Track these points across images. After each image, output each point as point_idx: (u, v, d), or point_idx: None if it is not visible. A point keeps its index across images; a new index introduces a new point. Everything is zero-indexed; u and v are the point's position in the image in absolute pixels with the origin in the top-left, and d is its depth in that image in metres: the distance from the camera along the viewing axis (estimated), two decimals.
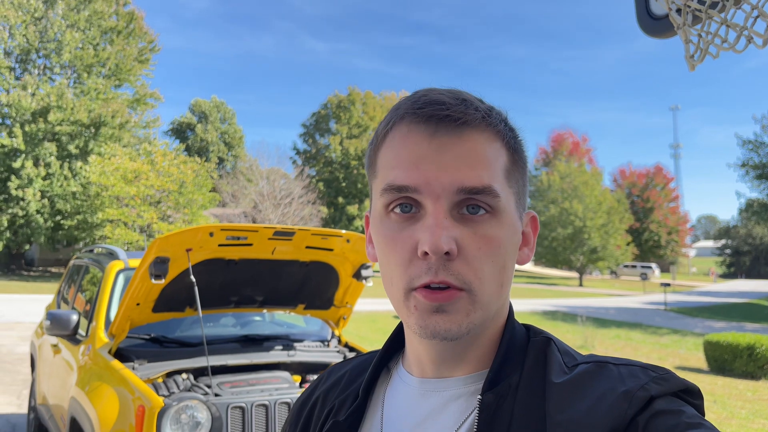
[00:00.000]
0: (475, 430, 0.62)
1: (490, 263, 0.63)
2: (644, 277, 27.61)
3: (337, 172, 38.67)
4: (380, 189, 0.66)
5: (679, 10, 1.00)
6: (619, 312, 21.23)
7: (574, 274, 46.85)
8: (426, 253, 0.61)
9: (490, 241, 0.63)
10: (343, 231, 3.33)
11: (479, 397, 0.64)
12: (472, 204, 0.63)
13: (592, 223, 38.59)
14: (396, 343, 0.78)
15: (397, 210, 0.64)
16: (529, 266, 57.75)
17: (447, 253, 0.61)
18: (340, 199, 37.44)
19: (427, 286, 0.62)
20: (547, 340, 0.69)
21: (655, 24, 1.52)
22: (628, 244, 43.21)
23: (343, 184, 38.35)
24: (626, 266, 48.29)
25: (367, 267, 3.56)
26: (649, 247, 51.60)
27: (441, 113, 0.63)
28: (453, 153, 0.63)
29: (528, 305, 22.20)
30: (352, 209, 36.92)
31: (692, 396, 0.60)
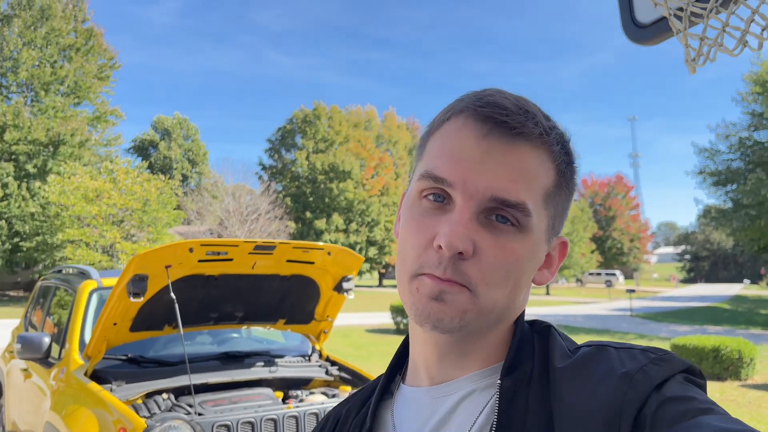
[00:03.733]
0: (495, 415, 0.63)
1: (502, 272, 0.63)
2: (609, 284, 28.17)
3: (304, 187, 38.53)
4: (420, 173, 0.67)
5: (678, 15, 1.03)
6: (587, 319, 21.57)
7: None
8: (440, 247, 0.62)
9: (509, 253, 0.63)
10: (324, 244, 3.31)
11: (498, 382, 0.64)
12: (501, 214, 0.63)
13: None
14: (398, 365, 0.79)
15: (431, 197, 0.65)
16: None
17: (460, 253, 0.62)
18: (308, 214, 37.27)
19: (434, 276, 0.63)
20: (548, 328, 0.71)
21: (640, 31, 1.56)
22: (592, 252, 44.06)
23: (311, 199, 38.22)
24: (591, 274, 49.14)
25: (348, 279, 3.55)
26: (613, 255, 52.68)
27: (499, 117, 0.64)
28: (498, 160, 0.63)
29: None
30: (320, 224, 36.79)
31: (695, 376, 0.61)
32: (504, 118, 0.63)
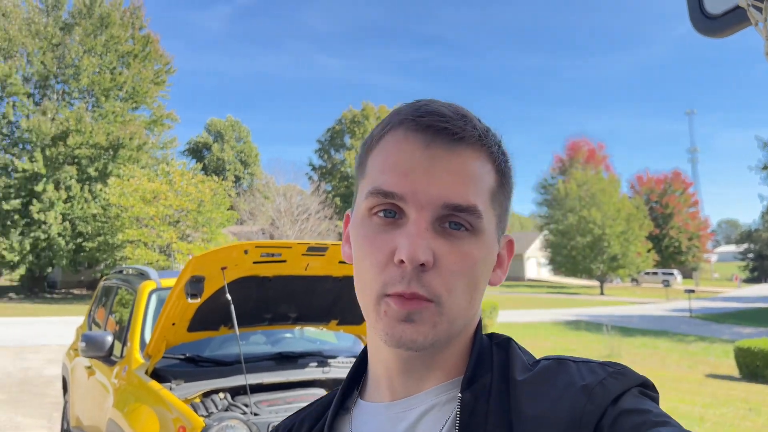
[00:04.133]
0: (456, 430, 0.63)
1: (464, 279, 0.63)
2: (666, 283, 27.26)
3: (352, 187, 38.77)
4: (367, 191, 0.66)
5: (756, 6, 0.96)
6: (643, 320, 20.94)
7: (595, 283, 46.36)
8: (402, 261, 0.61)
9: (467, 258, 0.63)
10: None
11: (459, 395, 0.64)
12: (454, 220, 0.63)
13: (611, 231, 38.21)
14: (355, 379, 0.77)
15: (381, 214, 0.64)
16: (548, 275, 57.31)
17: (422, 264, 0.61)
18: None
19: (399, 295, 0.62)
20: (508, 340, 0.71)
21: (711, 23, 1.48)
22: (648, 251, 42.73)
23: None
24: (647, 273, 47.69)
25: None
26: (670, 254, 50.99)
27: (439, 125, 0.64)
28: (444, 167, 0.63)
29: (549, 315, 21.97)
30: None
31: (650, 389, 0.62)
32: (444, 125, 0.64)
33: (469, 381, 0.66)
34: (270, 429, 0.78)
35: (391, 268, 0.62)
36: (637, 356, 12.48)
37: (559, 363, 0.65)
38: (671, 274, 46.55)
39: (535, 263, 57.81)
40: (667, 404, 7.72)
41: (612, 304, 29.48)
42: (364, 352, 0.77)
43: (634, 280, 48.68)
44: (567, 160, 49.59)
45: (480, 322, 0.73)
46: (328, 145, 42.19)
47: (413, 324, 0.62)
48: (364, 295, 0.66)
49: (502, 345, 0.71)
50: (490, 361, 0.68)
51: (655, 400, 0.62)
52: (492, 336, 0.73)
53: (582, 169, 45.14)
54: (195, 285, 2.91)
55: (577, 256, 39.59)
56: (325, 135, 42.48)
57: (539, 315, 22.06)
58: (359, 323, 3.77)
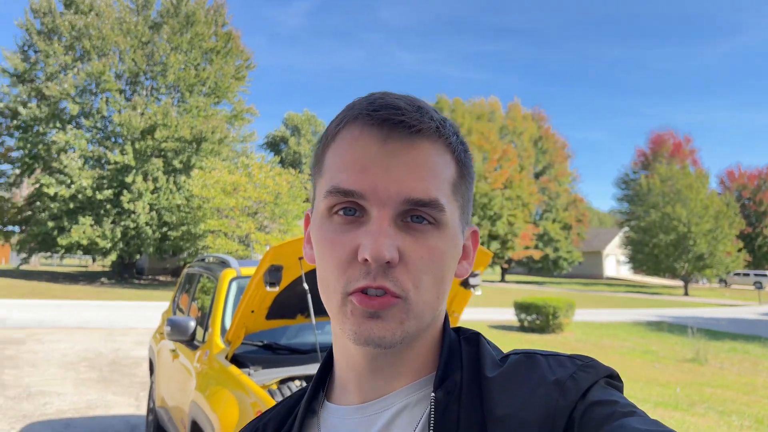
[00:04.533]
0: (431, 430, 0.62)
1: (430, 273, 0.63)
2: (759, 285, 25.66)
3: None
4: (325, 190, 0.64)
5: None
6: (732, 323, 19.79)
7: (678, 283, 44.34)
8: (366, 260, 0.60)
9: (432, 251, 0.63)
10: None
11: (432, 395, 0.63)
12: (416, 214, 0.62)
13: (697, 229, 36.35)
14: (321, 380, 0.75)
15: (341, 213, 0.63)
16: (628, 274, 55.20)
17: (389, 262, 0.60)
18: None
19: (363, 291, 0.61)
20: (477, 335, 0.71)
21: None
22: (739, 250, 40.35)
23: None
24: (737, 274, 45.01)
25: (476, 275, 3.48)
26: (764, 254, 47.93)
27: (396, 118, 0.62)
28: (403, 161, 0.62)
29: (630, 315, 21.16)
30: None
31: (615, 380, 0.63)
32: (401, 118, 0.62)
33: (441, 379, 0.65)
34: None
35: (354, 266, 0.61)
36: (726, 361, 11.81)
37: (527, 357, 0.65)
38: (765, 275, 43.73)
39: (614, 261, 55.84)
40: (759, 412, 7.27)
41: (697, 306, 28.04)
42: (330, 353, 0.75)
43: (722, 281, 46.10)
44: (650, 154, 47.54)
45: (446, 316, 0.72)
46: None
47: (380, 320, 0.61)
48: (329, 296, 0.64)
49: (471, 340, 0.70)
50: (459, 358, 0.68)
51: (620, 390, 0.63)
52: (459, 330, 0.72)
53: (666, 163, 43.16)
54: (273, 274, 2.98)
55: (660, 254, 37.91)
56: None
57: (618, 315, 21.29)
58: None
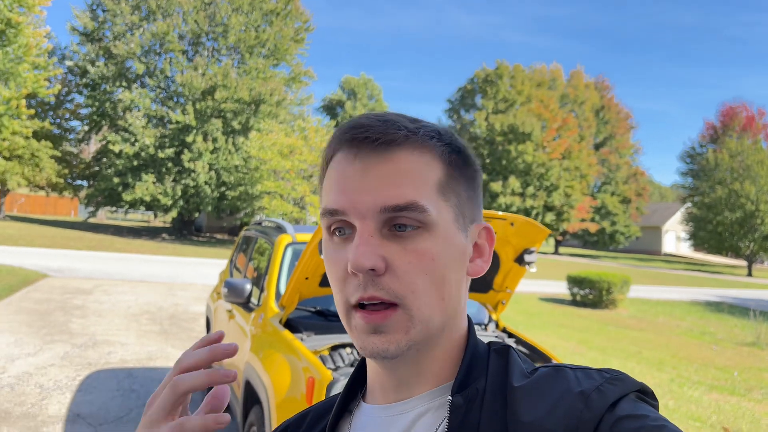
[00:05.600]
0: None
1: (424, 276, 0.63)
2: None
3: (481, 149, 38.19)
4: (320, 212, 0.68)
5: None
6: None
7: (742, 263, 42.66)
8: (354, 272, 0.62)
9: (421, 254, 0.63)
10: (507, 213, 3.22)
11: (449, 398, 0.64)
12: (399, 222, 0.63)
13: (766, 207, 34.69)
14: (358, 381, 0.78)
15: (337, 233, 0.66)
16: (688, 251, 53.40)
17: (374, 270, 0.62)
18: (484, 176, 36.98)
19: (362, 306, 0.63)
20: (507, 348, 0.71)
21: None
22: None
23: (488, 161, 37.80)
24: None
25: (531, 252, 3.43)
26: None
27: (361, 135, 0.65)
28: (375, 173, 0.64)
29: (688, 294, 20.54)
30: (496, 186, 36.32)
31: (648, 397, 0.62)
32: (365, 134, 0.65)
33: (460, 385, 0.66)
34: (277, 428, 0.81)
35: (349, 280, 0.64)
36: None
37: (556, 370, 0.65)
38: None
39: (674, 237, 54.09)
40: None
41: (761, 287, 26.95)
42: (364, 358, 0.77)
43: None
44: (720, 128, 45.29)
45: (472, 326, 0.73)
46: (458, 104, 41.68)
47: (382, 335, 0.63)
48: (339, 312, 0.67)
49: (501, 352, 0.71)
50: (485, 367, 0.69)
51: (654, 406, 0.61)
52: (491, 344, 0.73)
53: (737, 137, 41.10)
54: None
55: (724, 232, 36.50)
56: (455, 94, 41.95)
57: (676, 293, 20.71)
58: (485, 291, 3.73)
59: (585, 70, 50.37)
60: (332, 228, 0.67)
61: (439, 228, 0.65)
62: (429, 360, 0.68)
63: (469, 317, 0.74)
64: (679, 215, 50.03)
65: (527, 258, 3.43)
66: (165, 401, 0.61)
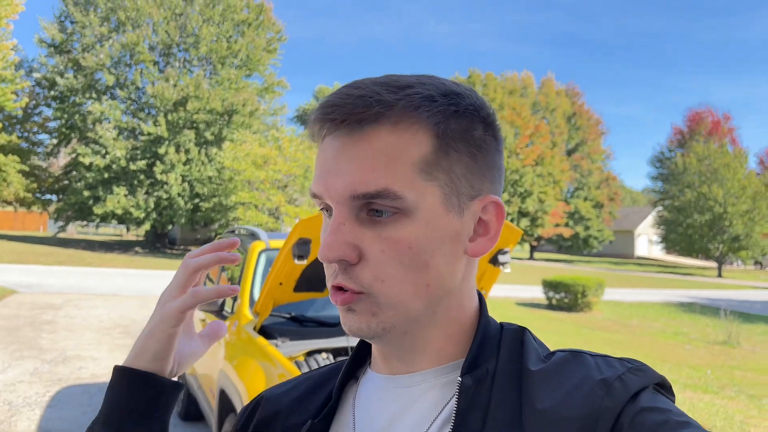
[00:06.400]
0: (454, 413, 0.61)
1: (398, 265, 0.60)
2: None
3: None
4: None
5: None
6: (767, 306, 19.38)
7: (712, 264, 43.50)
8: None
9: (396, 242, 0.60)
10: None
11: (459, 379, 0.62)
12: (374, 207, 0.60)
13: (734, 209, 35.51)
14: (364, 350, 0.76)
15: (326, 213, 0.65)
16: (660, 254, 54.30)
17: (346, 260, 0.60)
18: None
19: (332, 286, 0.62)
20: (522, 330, 0.69)
21: None
22: None
23: None
24: None
25: (505, 252, 3.44)
26: None
27: (329, 116, 0.61)
28: (347, 157, 0.60)
29: (661, 296, 20.87)
30: None
31: (667, 390, 0.60)
32: (332, 117, 0.61)
33: (470, 366, 0.64)
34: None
35: (328, 264, 0.63)
36: (758, 344, 11.60)
37: (574, 355, 0.63)
38: None
39: (647, 240, 54.98)
40: None
41: (731, 288, 27.52)
42: None
43: (758, 263, 45.16)
44: (687, 132, 46.32)
45: (484, 305, 0.70)
46: None
47: (354, 314, 0.62)
48: None
49: (515, 334, 0.68)
50: (497, 348, 0.66)
51: (672, 400, 0.60)
52: (504, 324, 0.71)
53: (704, 142, 42.06)
54: (302, 247, 2.99)
55: (694, 234, 37.21)
56: None
57: (649, 295, 21.02)
58: None
59: (556, 77, 51.17)
60: (321, 208, 0.66)
61: (419, 212, 0.60)
62: (425, 339, 0.66)
63: (481, 296, 0.71)
64: (650, 219, 50.90)
65: (501, 259, 3.44)
66: (178, 278, 0.70)
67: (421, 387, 0.66)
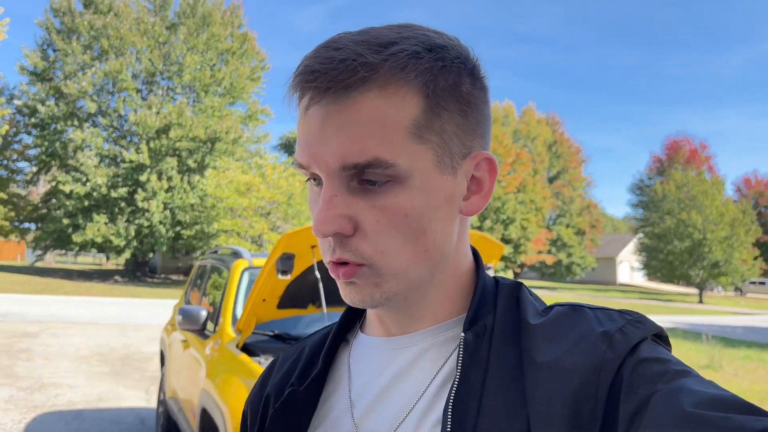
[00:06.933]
0: (459, 371, 0.60)
1: (396, 234, 0.59)
2: None
3: None
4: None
5: None
6: (748, 331, 19.53)
7: (693, 290, 43.86)
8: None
9: (391, 211, 0.58)
10: None
11: (462, 335, 0.62)
12: (366, 177, 0.58)
13: (713, 236, 35.98)
14: (354, 312, 0.76)
15: (313, 182, 0.63)
16: (642, 281, 54.70)
17: (340, 233, 0.59)
18: None
19: (330, 262, 0.61)
20: (518, 284, 0.69)
21: None
22: (755, 258, 39.87)
23: None
24: (753, 283, 44.55)
25: (488, 268, 3.45)
26: None
27: (312, 83, 0.58)
28: (335, 125, 0.57)
29: None
30: None
31: (664, 341, 0.61)
32: (317, 84, 0.57)
33: (471, 321, 0.63)
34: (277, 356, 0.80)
35: (322, 240, 0.62)
36: (740, 368, 11.65)
37: (573, 309, 0.63)
38: None
39: (628, 267, 55.41)
40: None
41: (712, 314, 27.71)
42: None
43: (737, 289, 45.60)
44: (665, 161, 47.19)
45: (480, 262, 0.70)
46: None
47: (355, 286, 0.61)
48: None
49: (511, 288, 0.68)
50: (493, 303, 0.66)
51: (669, 351, 0.60)
52: (500, 279, 0.70)
53: (682, 170, 42.81)
54: (286, 262, 2.97)
55: (675, 261, 37.57)
56: None
57: None
58: None
59: (536, 106, 51.95)
60: (307, 178, 0.64)
61: (413, 179, 0.58)
62: (425, 301, 0.65)
63: (476, 252, 0.71)
64: (631, 246, 51.40)
65: (502, 276, 3.44)
66: None
67: (419, 347, 0.66)
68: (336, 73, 0.57)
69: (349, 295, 0.62)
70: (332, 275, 0.61)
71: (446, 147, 0.60)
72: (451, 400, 0.59)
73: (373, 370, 0.68)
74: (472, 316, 0.63)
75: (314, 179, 0.62)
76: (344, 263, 0.60)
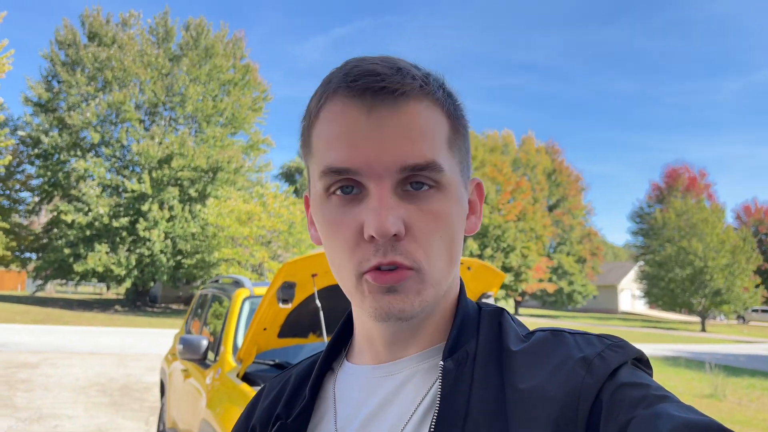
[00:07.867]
0: (438, 398, 0.60)
1: (439, 239, 0.61)
2: None
3: None
4: (319, 171, 0.62)
5: None
6: (752, 360, 19.38)
7: (695, 319, 43.60)
8: (373, 237, 0.59)
9: (438, 216, 0.61)
10: (463, 258, 3.27)
11: (441, 363, 0.62)
12: (416, 180, 0.60)
13: (714, 263, 35.88)
14: (341, 341, 0.76)
15: (339, 192, 0.61)
16: (643, 309, 54.38)
17: (395, 236, 0.59)
18: None
19: (377, 268, 0.60)
20: (500, 310, 0.69)
21: None
22: (756, 286, 39.68)
23: None
24: (755, 311, 44.26)
25: (488, 296, 3.48)
26: None
27: (377, 85, 0.59)
28: (392, 128, 0.59)
29: (646, 350, 20.59)
30: None
31: (645, 365, 0.61)
32: (382, 84, 0.59)
33: (451, 349, 0.63)
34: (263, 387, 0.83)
35: (363, 245, 0.60)
36: (744, 397, 11.54)
37: (554, 334, 0.63)
38: None
39: (630, 295, 55.14)
40: None
41: (715, 342, 27.52)
42: (350, 314, 0.75)
43: (740, 317, 45.31)
44: (665, 188, 47.34)
45: (463, 286, 0.71)
46: None
47: (397, 294, 0.60)
48: (342, 278, 0.64)
49: (494, 314, 0.69)
50: (476, 329, 0.66)
51: (650, 374, 0.61)
52: (482, 305, 0.71)
53: (681, 197, 42.90)
54: (286, 291, 3.00)
55: (676, 289, 37.41)
56: None
57: None
58: None
59: (536, 135, 52.37)
60: (333, 188, 0.62)
61: (451, 187, 0.62)
62: (427, 323, 0.66)
63: (460, 278, 0.72)
64: (632, 273, 51.21)
65: (483, 302, 3.47)
66: None
67: (404, 374, 0.66)
68: (399, 78, 0.60)
69: (388, 305, 0.60)
70: (376, 282, 0.60)
71: (463, 164, 0.66)
72: (432, 430, 0.59)
73: (359, 399, 0.69)
74: (452, 344, 0.64)
75: (341, 189, 0.62)
76: (391, 269, 0.60)
